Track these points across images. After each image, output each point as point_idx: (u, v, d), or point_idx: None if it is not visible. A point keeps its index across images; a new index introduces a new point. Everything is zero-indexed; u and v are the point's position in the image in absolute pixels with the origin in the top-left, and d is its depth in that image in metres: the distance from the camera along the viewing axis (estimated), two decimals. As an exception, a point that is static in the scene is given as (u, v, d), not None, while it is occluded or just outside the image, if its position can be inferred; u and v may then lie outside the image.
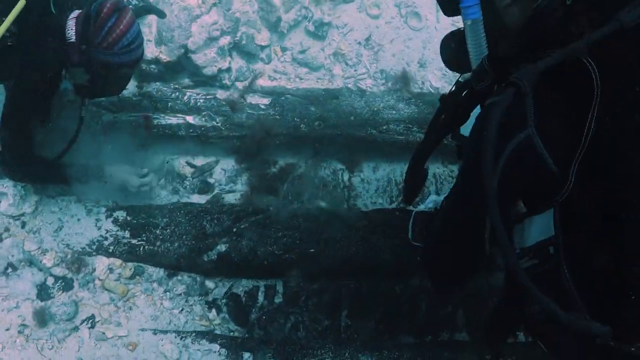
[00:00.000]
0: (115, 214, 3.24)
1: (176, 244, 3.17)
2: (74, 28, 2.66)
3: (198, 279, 3.25)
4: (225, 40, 3.48)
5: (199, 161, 3.62)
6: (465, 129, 2.06)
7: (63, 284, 3.06)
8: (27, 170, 3.00)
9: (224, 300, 3.25)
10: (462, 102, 1.96)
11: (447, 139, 2.25)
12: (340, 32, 3.73)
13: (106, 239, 3.19)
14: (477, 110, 1.90)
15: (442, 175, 3.61)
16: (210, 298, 3.24)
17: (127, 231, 3.21)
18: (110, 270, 3.14)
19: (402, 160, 3.59)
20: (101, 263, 3.14)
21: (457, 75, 2.50)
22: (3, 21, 2.46)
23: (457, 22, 2.48)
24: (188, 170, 3.60)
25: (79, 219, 3.20)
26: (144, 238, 3.20)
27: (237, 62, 3.60)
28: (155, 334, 3.01)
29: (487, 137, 1.48)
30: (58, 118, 3.28)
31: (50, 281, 3.06)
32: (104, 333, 2.97)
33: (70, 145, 3.02)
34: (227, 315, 3.21)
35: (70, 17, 2.69)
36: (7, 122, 2.79)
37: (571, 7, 1.53)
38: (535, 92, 1.54)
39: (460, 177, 1.87)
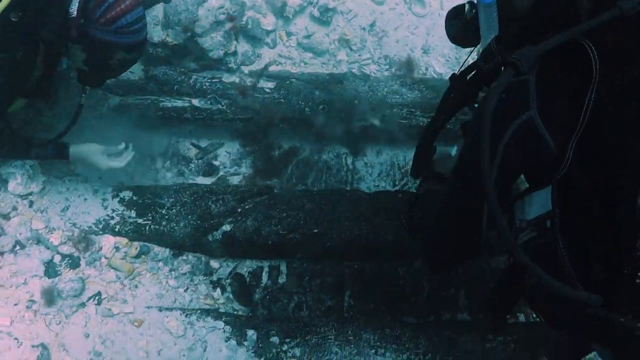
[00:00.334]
0: (121, 194, 3.28)
1: (182, 224, 3.21)
2: (77, 3, 2.55)
3: (203, 258, 3.30)
4: (231, 24, 3.52)
5: (204, 144, 3.66)
6: None
7: (70, 261, 3.10)
8: None
9: (228, 280, 3.29)
10: (470, 82, 2.00)
11: (449, 123, 2.32)
12: (345, 17, 3.76)
13: (112, 218, 3.22)
14: None
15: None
16: (214, 278, 3.28)
17: (133, 211, 3.25)
18: (117, 248, 3.17)
19: (405, 144, 3.63)
20: (107, 242, 3.17)
21: (461, 60, 2.53)
22: None
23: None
24: (193, 153, 3.64)
25: (85, 199, 3.24)
26: (150, 218, 3.24)
27: (242, 46, 3.65)
28: (160, 311, 3.05)
29: (485, 116, 1.54)
30: (65, 100, 3.32)
31: (57, 259, 3.09)
32: (110, 310, 3.00)
33: (68, 129, 2.96)
34: (231, 295, 3.25)
35: None
36: None
37: None
38: (538, 75, 1.59)
39: (461, 158, 1.92)
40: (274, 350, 2.98)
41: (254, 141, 3.62)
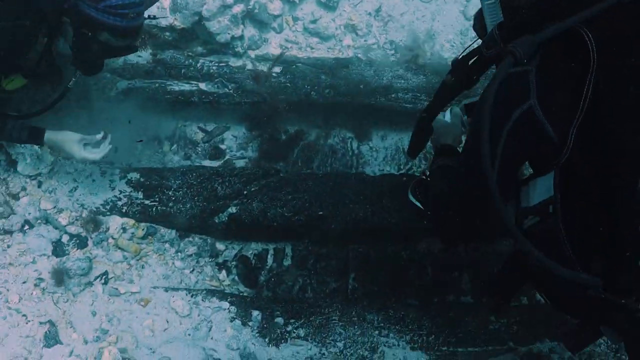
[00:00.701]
0: (129, 176, 3.31)
1: (188, 205, 3.24)
2: None
3: (209, 240, 3.33)
4: (238, 9, 3.55)
5: (211, 128, 3.70)
6: None
7: (77, 241, 3.13)
8: None
9: (234, 262, 3.33)
10: (472, 66, 2.03)
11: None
12: (351, 3, 3.79)
13: (120, 199, 3.26)
14: None
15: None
16: (220, 260, 3.32)
17: (140, 192, 3.28)
18: (124, 229, 3.21)
19: (411, 129, 3.64)
20: (115, 222, 3.21)
21: (466, 45, 2.56)
22: None
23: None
24: (200, 137, 3.68)
25: (93, 180, 3.27)
26: (157, 199, 3.27)
27: (249, 31, 3.67)
28: (166, 291, 3.08)
29: (485, 105, 1.59)
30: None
31: (65, 239, 3.13)
32: (117, 289, 3.04)
33: (45, 110, 2.96)
34: (236, 277, 3.29)
35: None
36: None
37: None
38: (538, 65, 1.62)
39: (467, 143, 1.96)
40: (278, 331, 3.00)
41: (260, 125, 3.65)
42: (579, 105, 1.55)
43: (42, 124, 2.93)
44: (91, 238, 3.16)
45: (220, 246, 3.34)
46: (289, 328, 3.02)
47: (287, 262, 3.35)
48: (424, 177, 2.56)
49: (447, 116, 2.49)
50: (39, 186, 3.20)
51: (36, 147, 3.15)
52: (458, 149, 2.37)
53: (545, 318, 3.05)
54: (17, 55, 2.73)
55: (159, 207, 3.25)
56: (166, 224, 3.28)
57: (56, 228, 3.14)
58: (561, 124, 1.60)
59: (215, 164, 3.61)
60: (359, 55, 3.71)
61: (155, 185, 3.30)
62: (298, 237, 3.34)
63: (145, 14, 2.84)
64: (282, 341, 2.98)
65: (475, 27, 2.07)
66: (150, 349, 2.87)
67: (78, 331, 2.87)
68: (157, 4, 3.44)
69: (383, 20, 3.76)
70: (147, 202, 3.26)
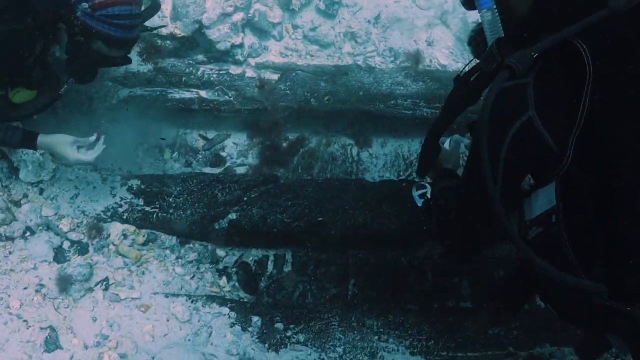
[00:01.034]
0: (129, 183, 3.33)
1: (188, 212, 3.26)
2: None
3: (209, 247, 3.35)
4: (238, 17, 3.58)
5: (212, 135, 3.72)
6: None
7: (78, 247, 3.15)
8: None
9: (234, 269, 3.34)
10: (473, 82, 2.04)
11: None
12: (350, 10, 3.81)
13: (121, 206, 3.28)
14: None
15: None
16: (220, 266, 3.33)
17: (141, 199, 3.30)
18: (124, 236, 3.23)
19: (410, 135, 3.68)
20: (115, 229, 3.23)
21: (465, 53, 2.57)
22: None
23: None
24: (201, 144, 3.70)
25: (94, 187, 3.29)
26: (157, 206, 3.29)
27: (249, 39, 3.70)
28: (167, 297, 3.09)
29: (483, 116, 1.60)
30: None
31: (66, 245, 3.14)
32: (117, 295, 3.05)
33: (34, 113, 3.00)
34: (237, 284, 3.30)
35: None
36: None
37: None
38: (536, 78, 1.64)
39: (470, 158, 1.98)
40: (278, 336, 3.01)
41: (260, 132, 3.67)
42: (577, 115, 1.57)
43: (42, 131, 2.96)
44: (92, 244, 3.18)
45: (220, 252, 3.35)
46: (289, 333, 3.03)
47: (287, 268, 3.36)
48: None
49: (446, 143, 2.52)
50: (41, 193, 3.23)
51: (37, 153, 3.17)
52: (458, 172, 2.40)
53: (545, 323, 3.05)
54: (15, 60, 2.74)
55: (159, 214, 3.27)
56: (167, 231, 3.30)
57: (57, 234, 3.16)
58: (560, 134, 1.62)
59: (216, 171, 3.63)
60: (359, 63, 3.73)
61: (155, 192, 3.31)
62: (298, 243, 3.35)
63: (146, 24, 2.88)
64: (282, 346, 2.99)
65: (470, 44, 2.09)
66: (150, 354, 2.88)
67: (78, 336, 2.88)
68: (159, 13, 3.50)
69: (382, 27, 3.79)
70: (147, 208, 3.28)
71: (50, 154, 3.11)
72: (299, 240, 3.31)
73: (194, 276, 3.25)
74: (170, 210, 3.27)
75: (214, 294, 3.21)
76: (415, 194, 2.57)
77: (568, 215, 1.71)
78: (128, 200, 3.30)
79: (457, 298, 3.29)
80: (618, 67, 1.56)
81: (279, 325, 3.04)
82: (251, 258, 3.39)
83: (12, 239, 3.09)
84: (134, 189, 3.32)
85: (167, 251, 3.28)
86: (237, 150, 3.71)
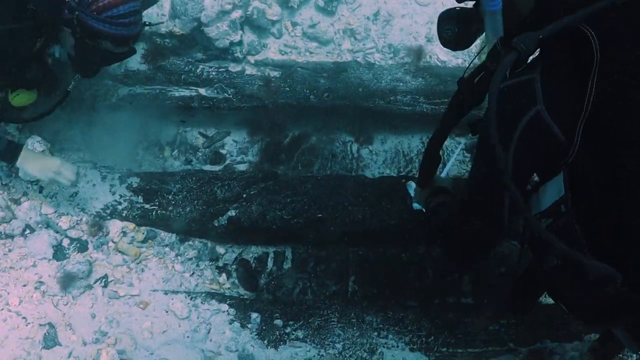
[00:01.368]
0: (129, 180, 3.33)
1: (188, 209, 3.26)
2: None
3: (209, 244, 3.35)
4: (236, 14, 3.58)
5: (212, 133, 3.73)
6: None
7: (78, 245, 3.15)
8: None
9: (234, 266, 3.34)
10: (478, 83, 2.03)
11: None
12: (350, 7, 3.80)
13: (120, 203, 3.28)
14: None
15: (448, 147, 3.66)
16: (220, 263, 3.33)
17: (140, 196, 3.30)
18: (124, 233, 3.23)
19: (410, 131, 3.67)
20: (115, 226, 3.23)
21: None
22: None
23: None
24: (201, 142, 3.70)
25: (94, 185, 3.30)
26: (157, 203, 3.29)
27: (248, 36, 3.70)
28: (166, 294, 3.09)
29: (492, 95, 1.58)
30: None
31: (65, 242, 3.15)
32: (116, 292, 3.05)
33: (47, 113, 3.02)
34: (236, 280, 3.29)
35: None
36: None
37: None
38: (542, 71, 1.64)
39: (478, 151, 1.97)
40: (277, 333, 3.00)
41: (260, 129, 3.67)
42: (584, 102, 1.56)
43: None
44: (91, 242, 3.19)
45: (220, 250, 3.36)
46: (288, 330, 3.02)
47: (287, 265, 3.36)
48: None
49: (444, 173, 2.62)
50: (40, 191, 3.23)
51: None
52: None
53: (546, 319, 3.02)
54: (13, 60, 2.75)
55: (158, 211, 3.27)
56: (166, 228, 3.30)
57: (57, 232, 3.17)
58: (568, 123, 1.61)
59: (216, 168, 3.63)
60: (358, 60, 3.72)
61: (155, 189, 3.32)
62: (297, 240, 3.34)
63: (145, 19, 2.89)
64: (281, 343, 2.98)
65: (448, 40, 2.07)
66: (149, 350, 2.88)
67: (77, 333, 2.88)
68: (157, 11, 3.52)
69: (381, 24, 3.78)
70: (147, 206, 3.28)
71: (25, 171, 2.97)
72: (298, 237, 3.30)
73: (193, 273, 3.25)
74: (170, 208, 3.27)
75: (213, 291, 3.20)
76: (411, 189, 2.56)
77: (578, 201, 1.69)
78: (127, 197, 3.30)
79: (458, 294, 3.27)
80: (624, 55, 1.55)
81: (278, 322, 3.04)
82: (251, 255, 3.39)
83: (12, 236, 3.10)
84: (133, 186, 3.32)
85: (167, 248, 3.29)
86: (237, 147, 3.71)
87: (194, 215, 3.26)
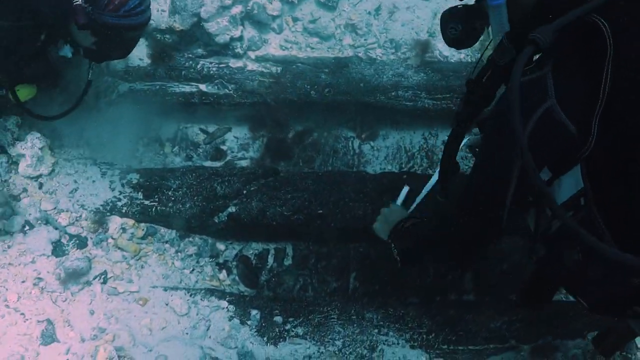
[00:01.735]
0: (128, 177, 3.32)
1: (187, 205, 3.24)
2: None
3: (209, 240, 3.33)
4: (237, 10, 3.56)
5: (212, 129, 3.71)
6: None
7: (77, 241, 3.14)
8: None
9: (234, 262, 3.32)
10: (487, 82, 2.01)
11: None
12: (351, 2, 3.78)
13: (120, 200, 3.27)
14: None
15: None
16: (220, 260, 3.31)
17: (140, 193, 3.29)
18: (123, 229, 3.22)
19: (412, 127, 3.65)
20: (114, 223, 3.22)
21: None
22: None
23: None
24: (201, 138, 3.69)
25: (93, 181, 3.29)
26: (157, 199, 3.27)
27: (249, 32, 3.68)
28: (165, 290, 3.08)
29: (513, 85, 1.55)
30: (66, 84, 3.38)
31: (65, 239, 3.14)
32: (115, 288, 3.04)
33: (75, 106, 3.09)
34: (237, 277, 3.28)
35: None
36: None
37: None
38: (553, 67, 1.63)
39: (483, 150, 1.96)
40: (276, 329, 2.98)
41: (261, 125, 3.65)
42: (599, 94, 1.55)
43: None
44: (91, 238, 3.17)
45: (220, 246, 3.34)
46: (288, 327, 3.00)
47: (287, 261, 3.34)
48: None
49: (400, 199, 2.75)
50: (40, 187, 3.23)
51: (36, 147, 3.17)
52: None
53: (548, 316, 2.99)
54: (15, 56, 2.78)
55: (158, 208, 3.26)
56: (166, 224, 3.29)
57: (56, 228, 3.15)
58: (582, 117, 1.60)
59: (217, 165, 3.61)
60: (359, 54, 3.70)
61: (154, 185, 3.30)
62: (298, 236, 3.32)
63: None
64: (281, 340, 2.96)
65: (453, 39, 2.05)
66: (148, 347, 2.86)
67: (75, 329, 2.86)
68: (158, 6, 3.51)
69: (383, 19, 3.75)
70: (146, 202, 3.27)
71: None
72: (298, 233, 3.28)
73: (193, 270, 3.24)
74: (170, 204, 3.26)
75: (213, 287, 3.19)
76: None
77: (597, 195, 1.68)
78: (127, 194, 3.29)
79: (460, 291, 3.24)
80: (636, 46, 1.54)
81: (278, 319, 3.01)
82: (251, 251, 3.37)
83: (11, 233, 3.08)
84: (133, 182, 3.31)
85: (167, 245, 3.27)
86: (238, 143, 3.69)
87: (194, 212, 3.24)
